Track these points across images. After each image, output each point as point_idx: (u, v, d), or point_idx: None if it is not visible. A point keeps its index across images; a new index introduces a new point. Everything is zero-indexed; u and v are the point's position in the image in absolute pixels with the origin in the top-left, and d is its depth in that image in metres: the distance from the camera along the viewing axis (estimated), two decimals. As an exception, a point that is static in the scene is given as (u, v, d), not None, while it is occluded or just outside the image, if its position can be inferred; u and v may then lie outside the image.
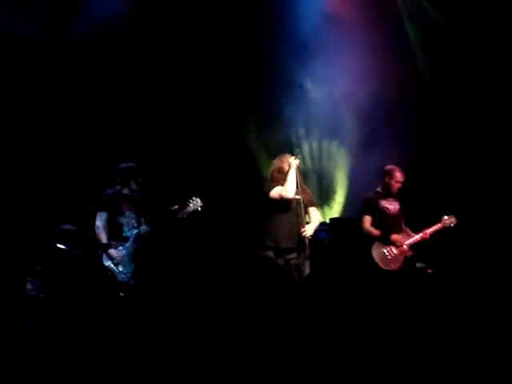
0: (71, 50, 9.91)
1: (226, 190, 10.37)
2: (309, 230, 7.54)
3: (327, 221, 10.12)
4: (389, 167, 8.23)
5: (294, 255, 7.52)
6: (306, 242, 7.49)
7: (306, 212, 7.69)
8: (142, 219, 8.05)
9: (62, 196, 9.68)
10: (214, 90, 10.56)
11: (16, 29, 9.94)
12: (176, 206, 7.97)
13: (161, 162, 10.19)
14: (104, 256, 7.87)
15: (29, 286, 8.80)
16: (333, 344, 7.04)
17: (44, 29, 9.99)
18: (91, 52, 10.01)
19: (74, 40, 9.87)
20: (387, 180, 8.18)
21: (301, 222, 7.52)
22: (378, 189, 8.26)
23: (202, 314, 8.31)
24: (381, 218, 8.10)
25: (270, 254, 7.52)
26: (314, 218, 7.80)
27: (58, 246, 8.72)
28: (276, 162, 7.81)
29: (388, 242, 8.04)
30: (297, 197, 7.57)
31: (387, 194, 8.19)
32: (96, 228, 7.93)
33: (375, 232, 8.06)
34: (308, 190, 7.91)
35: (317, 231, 8.04)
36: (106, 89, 10.17)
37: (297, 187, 7.53)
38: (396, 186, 8.16)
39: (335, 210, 10.89)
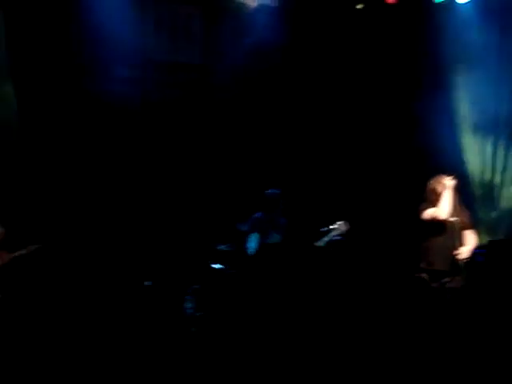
0: (229, 76, 10.15)
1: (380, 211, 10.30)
2: (464, 253, 7.37)
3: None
4: None
5: (448, 278, 7.36)
6: (461, 264, 7.32)
7: (462, 235, 7.51)
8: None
9: (218, 217, 9.92)
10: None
11: (176, 57, 10.32)
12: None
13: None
14: None
15: (187, 305, 9.09)
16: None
17: (203, 57, 10.33)
18: (249, 79, 10.21)
19: (232, 67, 10.12)
20: None
21: (456, 245, 7.36)
22: None
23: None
24: None
25: (425, 276, 7.41)
26: (470, 241, 7.62)
27: (214, 266, 8.95)
28: (430, 183, 7.70)
29: None
30: (451, 219, 7.41)
31: None
32: (249, 249, 8.11)
33: None
34: (465, 213, 7.73)
35: (474, 254, 7.83)
36: (263, 115, 10.37)
37: (452, 209, 7.39)
38: None
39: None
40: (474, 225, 7.86)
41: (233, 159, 10.31)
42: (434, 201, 7.52)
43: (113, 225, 9.68)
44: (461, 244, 7.45)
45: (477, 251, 8.30)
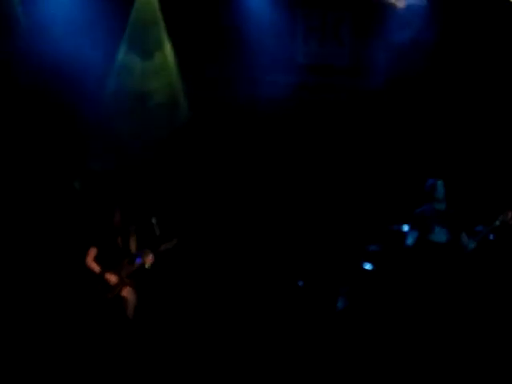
0: (379, 79, 10.21)
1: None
2: None
3: None
4: None
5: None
6: None
7: None
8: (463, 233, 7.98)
9: (368, 217, 10.00)
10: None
11: (325, 59, 10.49)
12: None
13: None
14: None
15: (339, 304, 9.26)
16: None
17: (349, 58, 10.45)
18: (398, 80, 10.25)
19: (381, 69, 10.17)
20: None
21: None
22: None
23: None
24: None
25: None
26: None
27: (365, 266, 9.06)
28: None
29: None
30: None
31: None
32: (405, 245, 8.14)
33: None
34: None
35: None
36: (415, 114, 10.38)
37: None
38: None
39: None
40: None
41: (386, 159, 10.34)
42: None
43: (264, 224, 9.97)
44: None
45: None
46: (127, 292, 8.17)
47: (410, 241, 8.03)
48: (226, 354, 8.02)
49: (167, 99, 10.02)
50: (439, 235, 7.89)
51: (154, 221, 8.29)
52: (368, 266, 9.04)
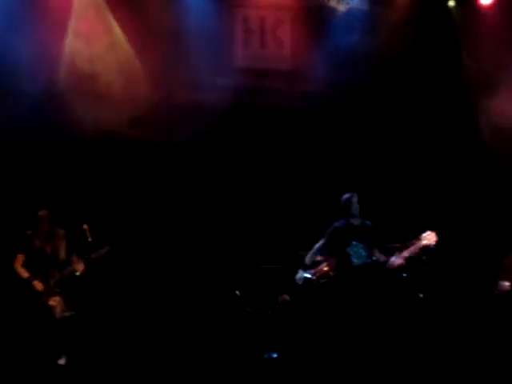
0: (316, 82, 10.08)
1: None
2: None
3: None
4: None
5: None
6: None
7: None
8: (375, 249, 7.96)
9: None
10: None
11: (265, 63, 10.31)
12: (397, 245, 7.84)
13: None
14: None
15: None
16: None
17: (290, 63, 10.30)
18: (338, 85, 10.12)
19: (319, 73, 10.04)
20: None
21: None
22: None
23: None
24: None
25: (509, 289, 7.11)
26: None
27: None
28: None
29: None
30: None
31: None
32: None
33: None
34: None
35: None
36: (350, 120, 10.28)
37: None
38: None
39: None
40: None
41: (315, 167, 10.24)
42: None
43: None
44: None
45: None
46: (55, 301, 7.84)
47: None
48: (159, 358, 7.85)
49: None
50: (355, 249, 7.81)
51: (85, 227, 7.99)
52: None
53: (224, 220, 9.89)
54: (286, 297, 8.72)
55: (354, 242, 7.79)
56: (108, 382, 7.37)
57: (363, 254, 7.77)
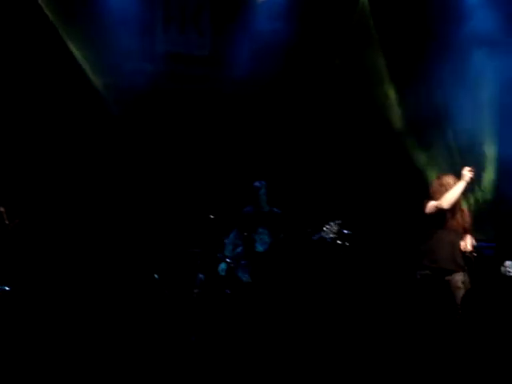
0: (236, 68, 10.13)
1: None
2: (469, 249, 7.29)
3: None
4: None
5: (454, 276, 7.26)
6: (470, 260, 7.25)
7: (465, 233, 7.40)
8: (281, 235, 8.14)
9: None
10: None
11: (185, 48, 10.32)
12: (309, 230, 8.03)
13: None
14: None
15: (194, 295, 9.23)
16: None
17: (211, 49, 10.31)
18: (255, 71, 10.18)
19: (239, 58, 10.09)
20: None
21: (459, 242, 7.24)
22: None
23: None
24: None
25: (428, 273, 7.29)
26: (470, 239, 7.48)
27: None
28: (440, 178, 7.50)
29: None
30: (455, 216, 7.27)
31: None
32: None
33: None
34: (467, 217, 7.55)
35: (481, 248, 7.76)
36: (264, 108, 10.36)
37: (457, 204, 7.26)
38: None
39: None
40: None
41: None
42: (440, 195, 7.33)
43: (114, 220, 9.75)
44: (464, 241, 7.34)
45: (484, 245, 8.25)
46: None
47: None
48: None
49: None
50: (261, 236, 8.02)
51: (1, 209, 7.91)
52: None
53: (143, 205, 9.87)
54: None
55: (260, 229, 7.97)
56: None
57: (268, 240, 7.97)
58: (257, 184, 8.23)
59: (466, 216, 7.41)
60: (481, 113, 10.08)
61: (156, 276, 9.24)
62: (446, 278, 7.24)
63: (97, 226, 9.61)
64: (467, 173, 7.23)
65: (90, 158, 9.75)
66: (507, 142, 9.87)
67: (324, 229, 8.08)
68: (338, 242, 8.28)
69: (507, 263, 8.08)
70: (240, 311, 8.06)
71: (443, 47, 10.11)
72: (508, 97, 10.03)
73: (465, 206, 7.68)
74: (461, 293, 7.12)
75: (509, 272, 8.05)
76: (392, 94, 10.48)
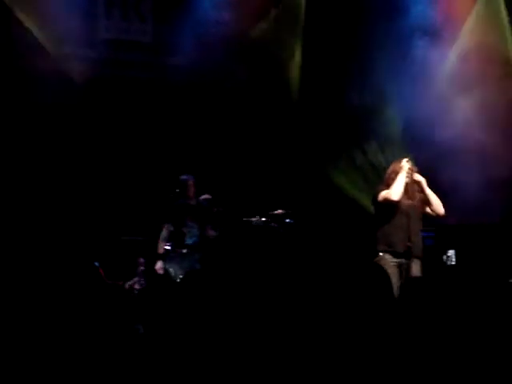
0: (179, 56, 10.06)
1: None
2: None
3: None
4: None
5: (407, 260, 7.34)
6: (420, 244, 7.36)
7: (419, 218, 7.49)
8: (209, 226, 8.20)
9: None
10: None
11: (127, 35, 10.21)
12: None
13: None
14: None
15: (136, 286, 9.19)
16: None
17: (153, 35, 10.22)
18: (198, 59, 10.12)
19: (182, 46, 10.01)
20: None
21: (413, 228, 7.34)
22: None
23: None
24: None
25: (386, 256, 7.35)
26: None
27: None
28: (391, 165, 7.57)
29: None
30: (406, 202, 7.39)
31: None
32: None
33: None
34: (417, 198, 7.64)
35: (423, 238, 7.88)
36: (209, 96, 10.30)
37: (408, 191, 7.36)
38: None
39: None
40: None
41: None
42: (392, 182, 7.40)
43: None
44: (419, 227, 7.44)
45: (425, 234, 8.36)
46: None
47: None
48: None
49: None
50: (190, 229, 8.16)
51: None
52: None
53: (83, 192, 9.72)
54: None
55: (189, 223, 8.04)
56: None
57: (196, 233, 8.04)
58: (184, 177, 8.26)
59: (414, 199, 7.50)
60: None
61: (96, 264, 9.15)
62: (401, 261, 7.31)
63: (32, 218, 9.44)
64: (405, 163, 7.37)
65: (25, 148, 9.55)
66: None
67: (253, 219, 8.22)
68: (273, 224, 8.41)
69: (450, 252, 8.21)
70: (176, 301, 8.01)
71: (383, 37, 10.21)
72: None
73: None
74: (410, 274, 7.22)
75: (451, 261, 8.20)
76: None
